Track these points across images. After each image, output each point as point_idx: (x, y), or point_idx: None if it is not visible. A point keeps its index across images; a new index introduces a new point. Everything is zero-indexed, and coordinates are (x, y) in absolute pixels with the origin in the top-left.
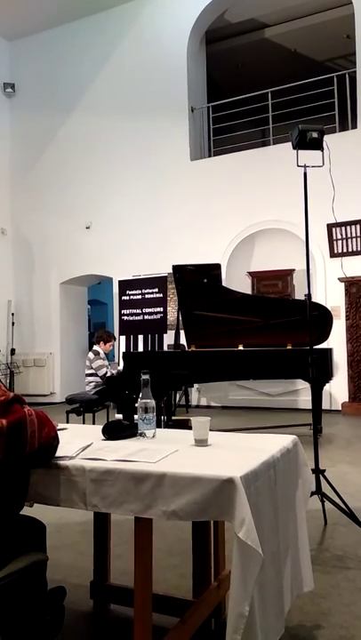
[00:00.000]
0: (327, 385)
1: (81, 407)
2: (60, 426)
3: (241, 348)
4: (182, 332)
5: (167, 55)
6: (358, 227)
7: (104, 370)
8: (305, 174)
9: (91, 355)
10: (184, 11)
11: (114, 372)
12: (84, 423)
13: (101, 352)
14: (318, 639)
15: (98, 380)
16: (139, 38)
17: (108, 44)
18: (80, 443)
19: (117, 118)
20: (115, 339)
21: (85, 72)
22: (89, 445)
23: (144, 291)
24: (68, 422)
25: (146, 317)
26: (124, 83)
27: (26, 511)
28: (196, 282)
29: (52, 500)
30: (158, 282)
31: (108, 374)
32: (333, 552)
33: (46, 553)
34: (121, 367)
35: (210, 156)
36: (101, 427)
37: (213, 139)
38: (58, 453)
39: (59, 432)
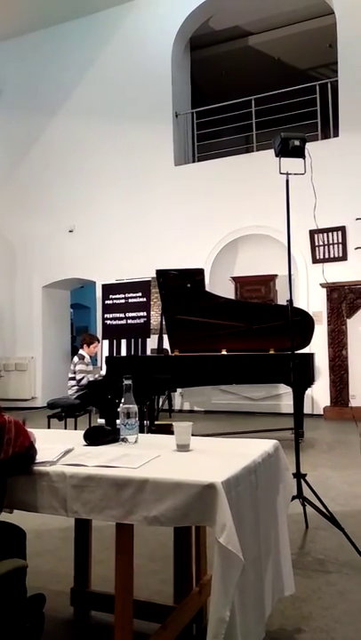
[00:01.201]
0: (309, 389)
1: (63, 412)
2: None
3: (224, 352)
4: (165, 337)
5: (152, 60)
6: (340, 233)
7: (82, 375)
8: (287, 181)
9: (75, 358)
10: (169, 17)
11: (91, 378)
12: (65, 428)
13: (87, 357)
14: None
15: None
16: (124, 43)
17: (93, 47)
18: (61, 447)
19: (101, 122)
20: (98, 341)
21: (70, 75)
22: (70, 450)
23: (127, 295)
24: (49, 427)
25: (129, 322)
26: (108, 87)
27: (5, 517)
28: (180, 287)
29: (32, 506)
30: (142, 286)
31: (85, 381)
32: (314, 556)
33: (26, 559)
34: (104, 372)
35: (194, 161)
36: (83, 432)
37: (197, 144)
38: (38, 459)
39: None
